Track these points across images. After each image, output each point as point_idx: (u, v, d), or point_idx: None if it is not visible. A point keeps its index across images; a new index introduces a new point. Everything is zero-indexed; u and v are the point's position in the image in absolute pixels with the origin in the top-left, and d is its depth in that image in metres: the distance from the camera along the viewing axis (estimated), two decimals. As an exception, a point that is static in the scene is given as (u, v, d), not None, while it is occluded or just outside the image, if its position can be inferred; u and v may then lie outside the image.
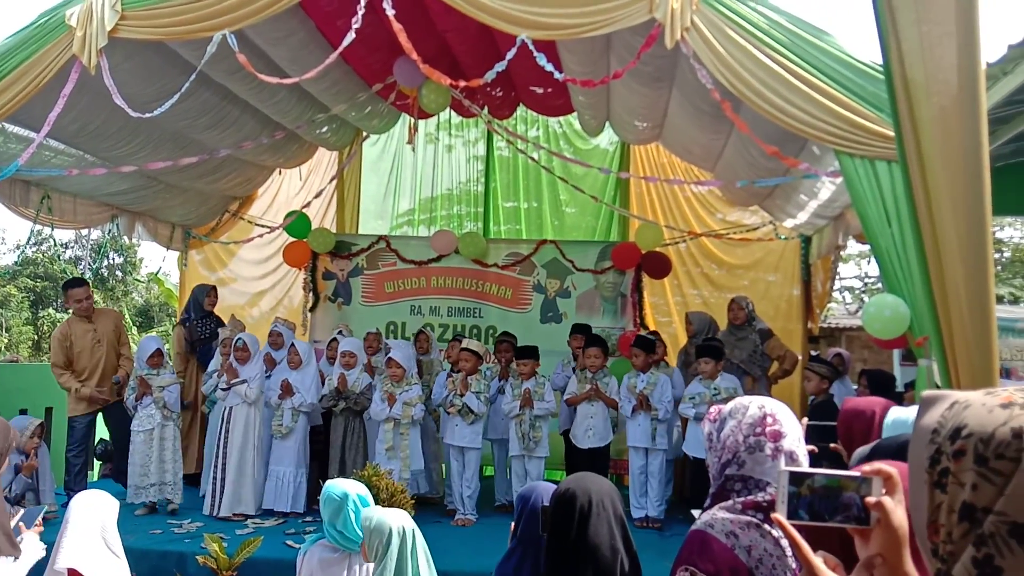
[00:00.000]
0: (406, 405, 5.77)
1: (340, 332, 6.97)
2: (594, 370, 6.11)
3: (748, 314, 6.73)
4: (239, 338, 6.12)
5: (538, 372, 6.10)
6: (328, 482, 3.41)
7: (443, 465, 6.67)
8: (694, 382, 5.93)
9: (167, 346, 6.62)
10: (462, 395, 5.89)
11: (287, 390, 6.00)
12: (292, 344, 6.30)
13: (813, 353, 7.64)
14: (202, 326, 7.06)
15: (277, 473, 5.96)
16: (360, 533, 3.17)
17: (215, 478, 5.86)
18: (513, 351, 6.47)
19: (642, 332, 7.45)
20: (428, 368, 6.76)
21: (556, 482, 2.42)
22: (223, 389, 5.93)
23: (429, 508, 6.12)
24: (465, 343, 6.19)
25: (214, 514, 5.76)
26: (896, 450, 1.93)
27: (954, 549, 0.78)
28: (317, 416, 6.27)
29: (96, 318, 6.46)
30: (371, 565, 3.14)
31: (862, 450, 2.26)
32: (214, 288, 7.38)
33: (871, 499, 1.10)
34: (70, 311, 6.52)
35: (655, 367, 6.14)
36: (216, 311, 7.72)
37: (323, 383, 6.22)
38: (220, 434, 5.94)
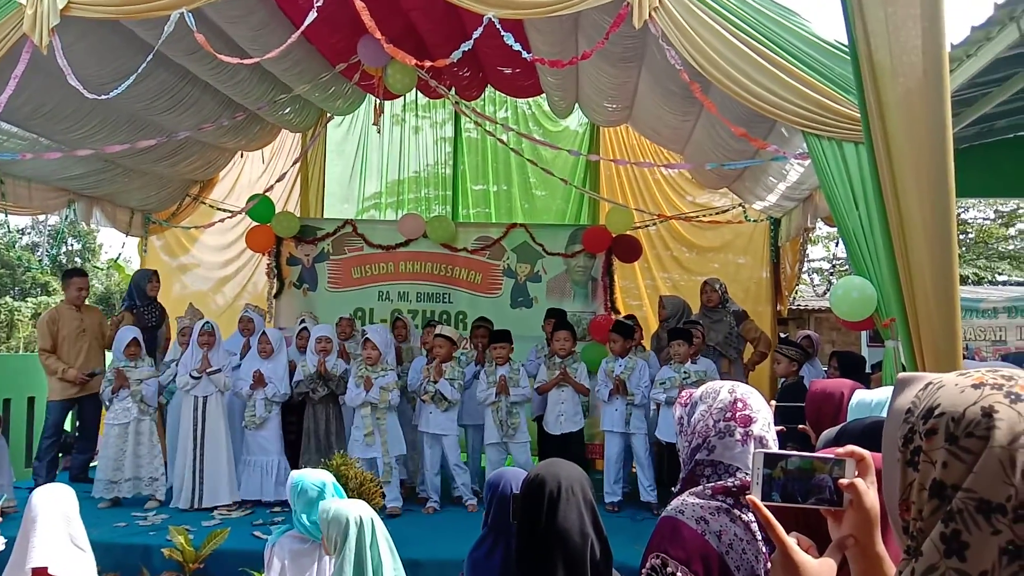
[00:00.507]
0: (382, 390, 5.70)
1: (303, 320, 6.88)
2: (563, 355, 6.09)
3: (721, 296, 6.76)
4: (206, 323, 5.97)
5: (512, 358, 6.07)
6: (297, 473, 3.37)
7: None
8: (665, 367, 5.94)
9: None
10: (435, 382, 5.85)
11: (259, 381, 5.89)
12: (263, 332, 6.16)
13: (782, 335, 7.71)
14: (148, 313, 6.94)
15: (259, 463, 5.84)
16: None
17: (195, 470, 5.70)
18: (490, 337, 6.44)
19: (616, 316, 7.47)
20: (408, 355, 6.67)
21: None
22: (194, 378, 5.79)
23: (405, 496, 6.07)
24: (439, 329, 6.13)
25: (194, 507, 5.61)
26: (862, 432, 1.93)
27: (924, 526, 0.79)
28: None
29: (84, 311, 6.63)
30: None
31: (828, 432, 2.26)
32: (155, 273, 7.20)
33: (844, 481, 1.11)
34: (62, 299, 6.76)
35: (633, 351, 6.14)
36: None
37: (293, 372, 6.11)
38: (197, 425, 5.76)
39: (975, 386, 0.79)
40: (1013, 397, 0.76)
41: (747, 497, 1.16)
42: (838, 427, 2.13)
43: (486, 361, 6.27)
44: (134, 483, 5.78)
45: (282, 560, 3.19)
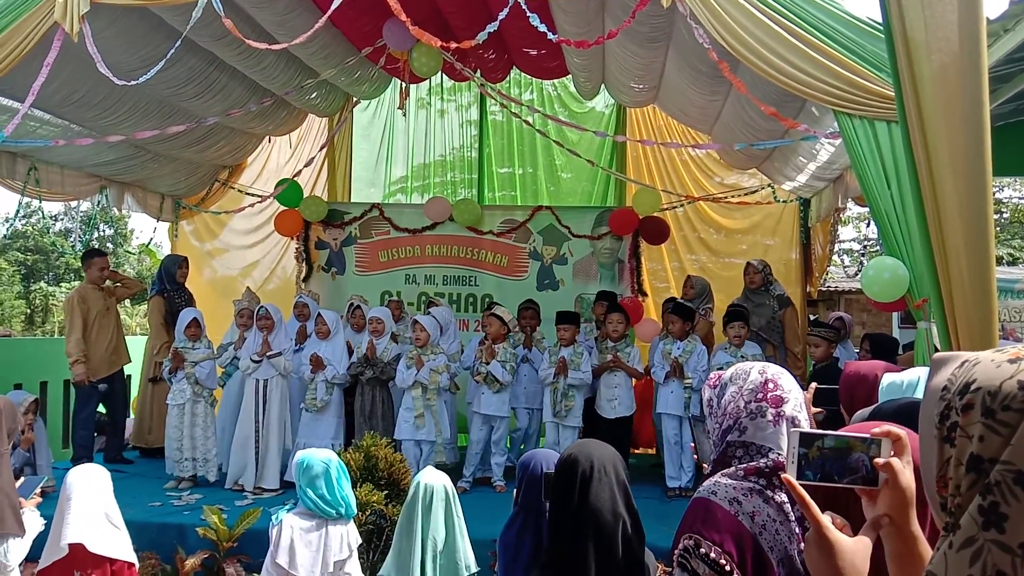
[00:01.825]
0: (433, 372, 5.75)
1: (351, 302, 6.93)
2: (615, 337, 6.06)
3: (764, 277, 6.64)
4: (262, 307, 6.02)
5: (577, 340, 6.04)
6: (302, 452, 3.51)
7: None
8: (720, 351, 5.86)
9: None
10: (487, 363, 5.87)
11: (317, 364, 5.94)
12: (319, 314, 6.21)
13: (812, 317, 7.62)
14: (178, 297, 7.05)
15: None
16: (341, 499, 3.37)
17: (256, 451, 5.77)
18: (538, 319, 6.45)
19: (642, 299, 7.45)
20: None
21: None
22: (255, 361, 5.83)
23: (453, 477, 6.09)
24: (494, 308, 6.17)
25: (258, 486, 5.70)
26: (895, 412, 1.92)
27: (962, 501, 0.79)
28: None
29: (106, 291, 6.78)
30: (343, 531, 3.41)
31: (861, 413, 2.25)
32: (185, 259, 7.34)
33: (880, 460, 1.11)
34: (84, 280, 6.88)
35: (691, 335, 6.05)
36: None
37: (351, 353, 6.18)
38: (259, 408, 5.82)
39: (1011, 361, 0.80)
40: None
41: (783, 476, 1.16)
42: (870, 408, 2.11)
43: (534, 344, 6.27)
44: (192, 463, 5.90)
45: (290, 537, 3.33)
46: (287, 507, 3.50)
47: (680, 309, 6.07)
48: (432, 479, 3.19)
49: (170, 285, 7.08)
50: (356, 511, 3.57)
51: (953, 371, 0.85)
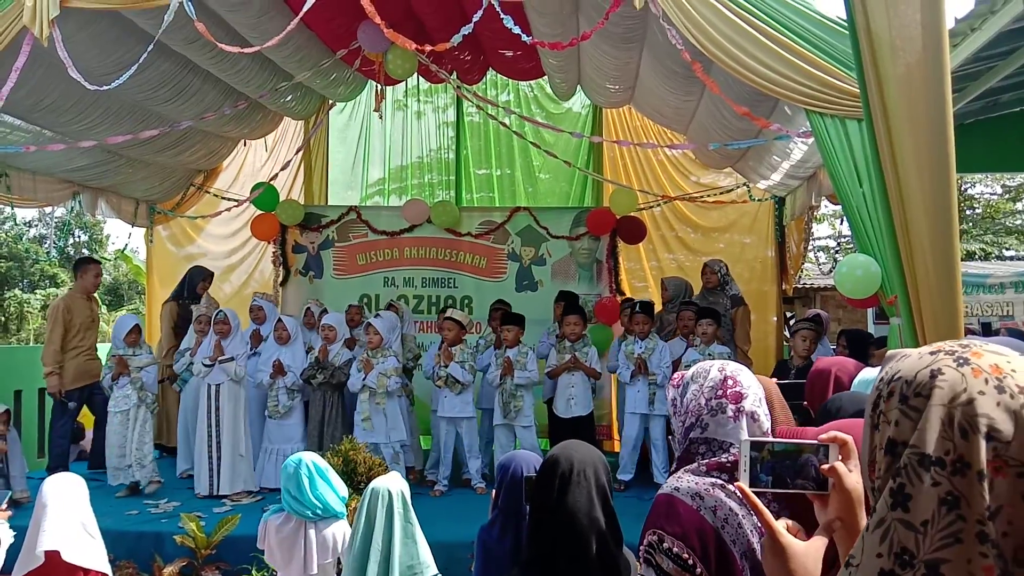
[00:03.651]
0: (381, 375, 5.72)
1: (309, 307, 6.91)
2: (573, 339, 6.08)
3: (720, 278, 6.72)
4: (220, 312, 5.99)
5: (522, 340, 6.05)
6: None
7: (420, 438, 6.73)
8: (690, 350, 5.93)
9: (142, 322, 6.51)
10: (446, 366, 5.86)
11: (279, 370, 5.90)
12: (280, 319, 6.18)
13: (788, 315, 7.67)
14: (192, 306, 7.03)
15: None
16: (315, 498, 3.39)
17: (211, 457, 5.72)
18: (500, 318, 6.47)
19: (620, 298, 7.49)
20: (404, 342, 6.71)
21: (544, 451, 2.41)
22: (206, 366, 5.79)
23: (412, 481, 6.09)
24: (448, 312, 6.16)
25: (214, 493, 5.63)
26: (848, 402, 1.97)
27: (882, 484, 0.84)
28: (306, 392, 6.22)
29: (92, 300, 6.73)
30: (327, 533, 3.43)
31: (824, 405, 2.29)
32: (212, 274, 7.40)
33: (826, 465, 1.16)
34: (74, 287, 6.83)
35: (653, 334, 6.14)
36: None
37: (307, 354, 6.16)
38: (211, 413, 5.77)
39: (932, 352, 0.86)
40: (961, 361, 0.82)
41: (736, 484, 1.19)
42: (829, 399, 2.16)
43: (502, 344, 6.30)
44: (127, 471, 5.81)
45: (270, 538, 3.44)
46: (276, 507, 3.54)
47: (647, 308, 6.17)
48: (383, 483, 3.16)
49: (188, 294, 7.12)
50: (342, 511, 3.53)
51: (892, 364, 0.90)
